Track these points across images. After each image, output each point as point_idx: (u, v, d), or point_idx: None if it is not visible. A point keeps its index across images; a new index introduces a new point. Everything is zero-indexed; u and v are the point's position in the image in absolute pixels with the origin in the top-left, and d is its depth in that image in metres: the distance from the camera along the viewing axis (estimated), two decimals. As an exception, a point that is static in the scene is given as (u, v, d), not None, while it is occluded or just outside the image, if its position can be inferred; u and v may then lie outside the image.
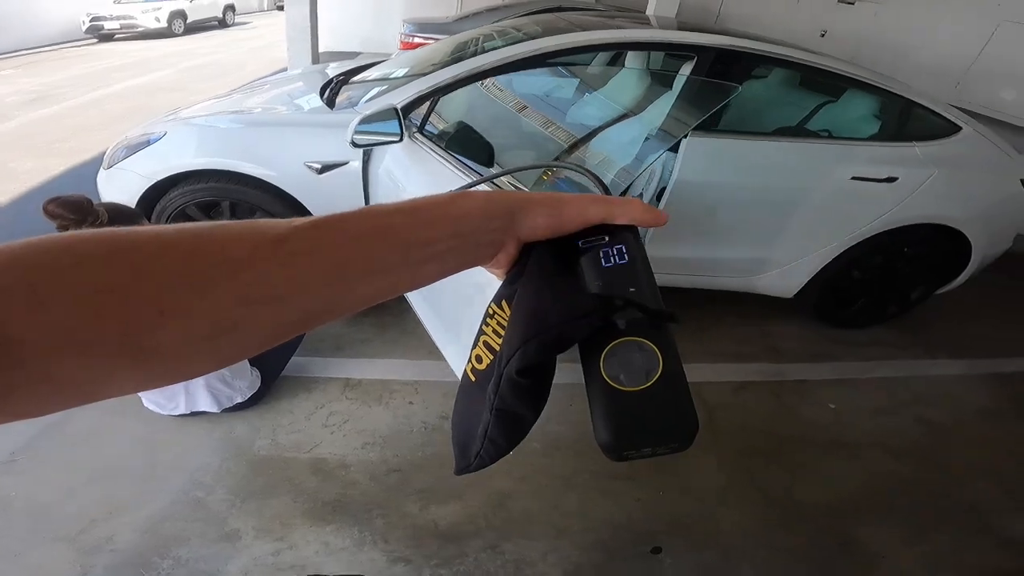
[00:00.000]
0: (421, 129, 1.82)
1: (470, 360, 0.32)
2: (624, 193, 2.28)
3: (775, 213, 2.28)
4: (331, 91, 2.37)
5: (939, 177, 2.25)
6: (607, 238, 0.31)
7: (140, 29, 10.87)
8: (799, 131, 2.53)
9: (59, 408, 0.24)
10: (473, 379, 0.31)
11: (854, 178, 2.20)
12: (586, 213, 0.32)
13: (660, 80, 2.83)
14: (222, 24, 13.00)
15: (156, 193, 2.20)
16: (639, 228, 0.33)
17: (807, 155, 2.27)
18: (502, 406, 0.29)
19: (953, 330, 2.83)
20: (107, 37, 10.70)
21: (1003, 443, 2.16)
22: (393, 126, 1.77)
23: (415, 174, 1.79)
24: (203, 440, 1.84)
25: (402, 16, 5.94)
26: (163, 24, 11.01)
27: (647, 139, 2.22)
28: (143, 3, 11.10)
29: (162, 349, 0.24)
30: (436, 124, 2.10)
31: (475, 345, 0.32)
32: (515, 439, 0.30)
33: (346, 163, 2.03)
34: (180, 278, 0.24)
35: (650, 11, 4.30)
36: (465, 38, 2.61)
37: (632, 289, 0.29)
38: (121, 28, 10.79)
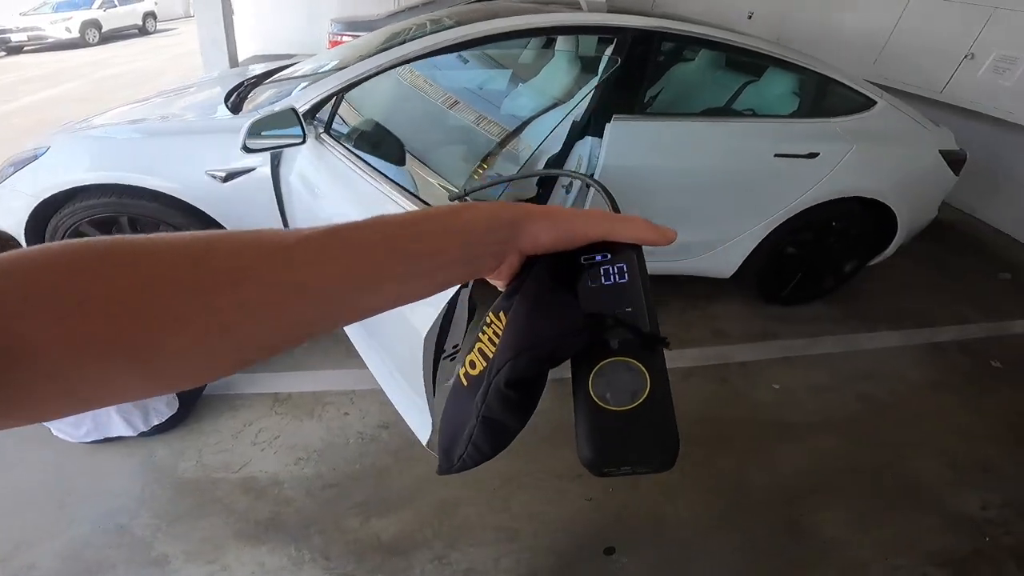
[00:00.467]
0: (328, 129, 1.70)
1: (463, 364, 0.32)
2: (552, 184, 2.22)
3: (704, 194, 2.27)
4: (238, 95, 2.21)
5: (858, 151, 2.29)
6: (609, 255, 0.31)
7: (50, 40, 10.13)
8: (725, 111, 2.53)
9: (69, 412, 0.25)
10: (465, 383, 0.32)
11: (777, 155, 2.21)
12: (589, 229, 0.32)
13: (587, 66, 2.80)
14: (143, 32, 12.28)
15: (49, 210, 2.00)
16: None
17: (731, 134, 2.26)
18: (488, 414, 0.29)
19: (889, 301, 2.91)
20: (15, 50, 9.94)
21: (944, 416, 2.21)
22: (294, 129, 1.64)
23: (325, 177, 1.67)
24: (121, 465, 1.76)
25: (335, 15, 5.73)
26: (75, 34, 10.29)
27: (572, 126, 2.17)
28: (52, 13, 10.37)
29: (169, 355, 0.25)
30: (350, 122, 1.98)
31: (470, 351, 0.32)
32: (499, 447, 0.31)
33: (252, 169, 1.89)
34: (190, 286, 0.25)
35: None
36: (393, 31, 2.49)
37: (628, 309, 0.29)
38: (29, 40, 10.05)
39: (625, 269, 0.31)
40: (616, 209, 0.38)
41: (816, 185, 2.29)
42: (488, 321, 0.33)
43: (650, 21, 2.12)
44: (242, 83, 2.32)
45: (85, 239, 0.24)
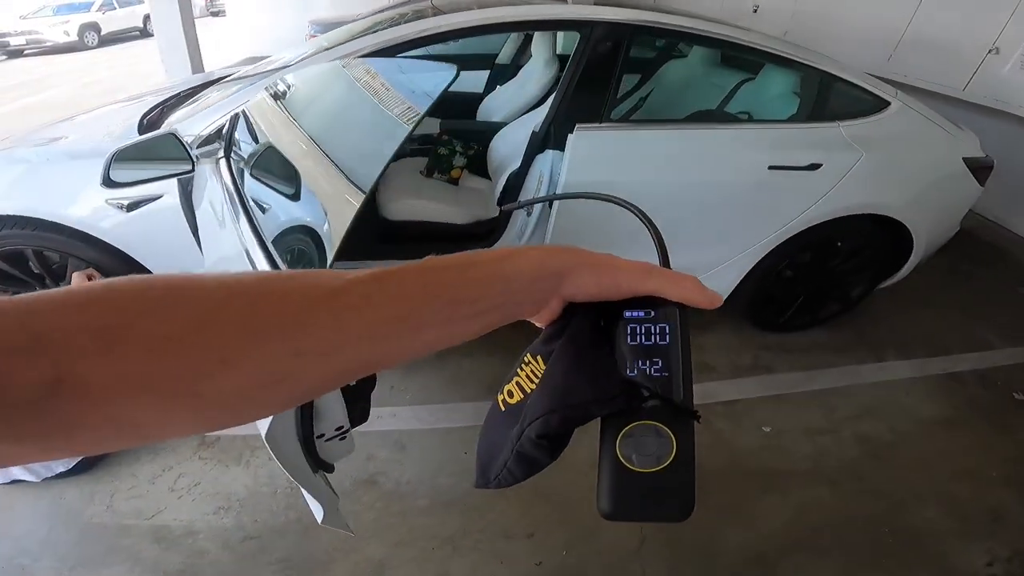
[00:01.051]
0: (227, 154, 1.45)
1: (502, 392, 0.34)
2: (514, 196, 1.96)
3: (688, 212, 1.97)
4: (161, 111, 1.98)
5: (868, 161, 1.98)
6: (653, 312, 0.31)
7: (48, 44, 10.09)
8: (714, 115, 2.23)
9: (116, 447, 0.26)
10: (502, 408, 0.34)
11: (773, 167, 1.92)
12: (637, 285, 0.32)
13: (557, 69, 2.52)
14: (144, 34, 12.17)
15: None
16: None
17: (718, 143, 1.96)
18: (521, 450, 0.31)
19: (899, 324, 2.57)
20: (15, 54, 9.91)
21: (953, 458, 1.91)
22: (178, 156, 1.38)
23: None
24: (28, 508, 1.66)
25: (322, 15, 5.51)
26: (73, 37, 10.25)
27: (532, 137, 1.90)
28: (50, 16, 10.31)
29: (218, 396, 0.25)
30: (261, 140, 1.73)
31: (509, 380, 0.34)
32: (530, 475, 0.32)
33: (159, 197, 1.65)
34: (240, 329, 0.25)
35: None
36: (350, 30, 2.23)
37: (665, 374, 0.29)
38: (28, 44, 10.01)
39: (667, 331, 0.31)
40: (666, 258, 0.37)
41: (818, 201, 1.99)
42: (526, 360, 0.34)
43: (625, 13, 1.84)
44: (168, 98, 2.08)
45: (141, 277, 0.25)
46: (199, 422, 0.27)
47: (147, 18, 12.24)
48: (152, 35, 11.81)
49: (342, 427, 0.98)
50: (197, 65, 4.43)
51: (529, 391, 0.32)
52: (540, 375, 0.32)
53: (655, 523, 0.30)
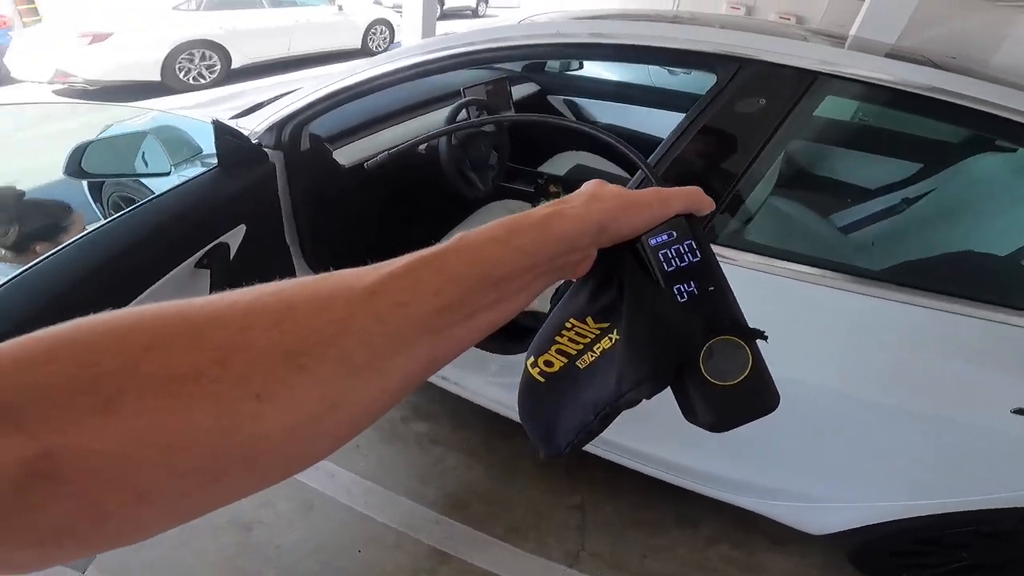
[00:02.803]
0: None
1: (537, 364, 0.33)
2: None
3: (823, 423, 1.14)
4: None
5: None
6: (674, 233, 0.31)
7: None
8: (912, 268, 1.24)
9: (164, 527, 0.20)
10: (543, 380, 0.33)
11: (1018, 411, 0.96)
12: (664, 212, 0.31)
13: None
14: (474, 13, 13.88)
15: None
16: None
17: (912, 328, 1.04)
18: (611, 414, 0.30)
19: None
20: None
21: None
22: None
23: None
24: None
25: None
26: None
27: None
28: None
29: (267, 440, 0.20)
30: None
31: (543, 352, 0.33)
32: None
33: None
34: (273, 352, 0.20)
35: (854, 31, 2.92)
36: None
37: (710, 289, 0.30)
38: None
39: (694, 247, 0.31)
40: (654, 173, 0.39)
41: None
42: (568, 326, 0.33)
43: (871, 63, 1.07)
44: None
45: (127, 309, 0.20)
46: (255, 476, 0.20)
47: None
48: (479, 16, 13.58)
49: None
50: (429, 28, 4.81)
51: (574, 353, 0.32)
52: (595, 336, 0.32)
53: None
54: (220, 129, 1.21)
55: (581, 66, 3.03)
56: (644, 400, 0.29)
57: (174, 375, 0.18)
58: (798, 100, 1.05)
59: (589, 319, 0.32)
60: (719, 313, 0.30)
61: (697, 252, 0.30)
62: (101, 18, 5.48)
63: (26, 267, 0.89)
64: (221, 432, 0.19)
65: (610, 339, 0.31)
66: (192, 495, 0.19)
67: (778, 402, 0.29)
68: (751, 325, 0.30)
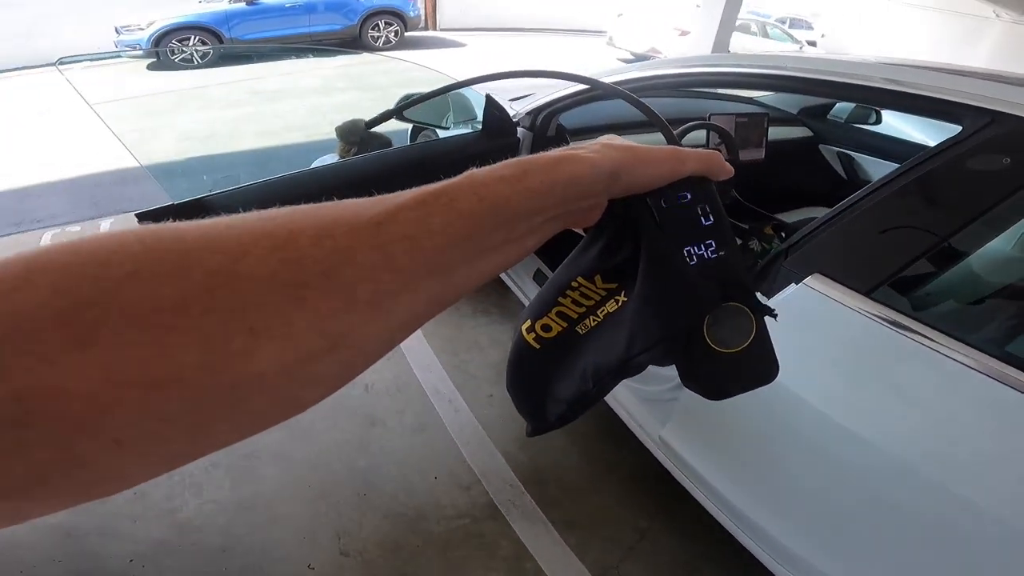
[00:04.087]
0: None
1: (534, 329, 0.31)
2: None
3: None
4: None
5: None
6: (688, 195, 0.30)
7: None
8: None
9: (147, 475, 0.18)
10: (538, 347, 0.31)
11: None
12: (680, 169, 0.30)
13: None
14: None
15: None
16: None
17: None
18: (613, 379, 0.30)
19: None
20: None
21: None
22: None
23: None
24: None
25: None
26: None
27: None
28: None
29: (260, 380, 0.18)
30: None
31: (542, 315, 0.31)
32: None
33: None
34: (269, 283, 0.18)
35: None
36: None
37: (721, 254, 0.29)
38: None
39: (708, 210, 0.30)
40: (673, 136, 0.39)
41: None
42: (573, 286, 0.31)
43: None
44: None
45: (113, 231, 0.17)
46: (239, 423, 0.19)
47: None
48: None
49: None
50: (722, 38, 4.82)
51: (575, 317, 0.31)
52: (601, 298, 0.31)
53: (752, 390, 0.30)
54: (489, 103, 1.58)
55: (879, 120, 2.69)
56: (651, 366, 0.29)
57: (158, 305, 0.16)
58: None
59: (598, 278, 0.31)
60: (728, 279, 0.29)
61: (711, 216, 0.29)
62: (685, 20, 8.66)
63: (336, 160, 1.36)
64: (209, 370, 0.17)
65: (616, 301, 0.30)
66: (175, 440, 0.18)
67: (777, 372, 0.29)
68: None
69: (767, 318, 0.30)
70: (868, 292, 0.97)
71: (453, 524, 1.58)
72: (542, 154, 0.27)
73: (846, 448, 0.99)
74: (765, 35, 10.30)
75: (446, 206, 0.23)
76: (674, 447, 1.34)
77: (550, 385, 0.31)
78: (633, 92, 1.57)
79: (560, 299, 0.31)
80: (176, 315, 0.16)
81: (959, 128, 0.98)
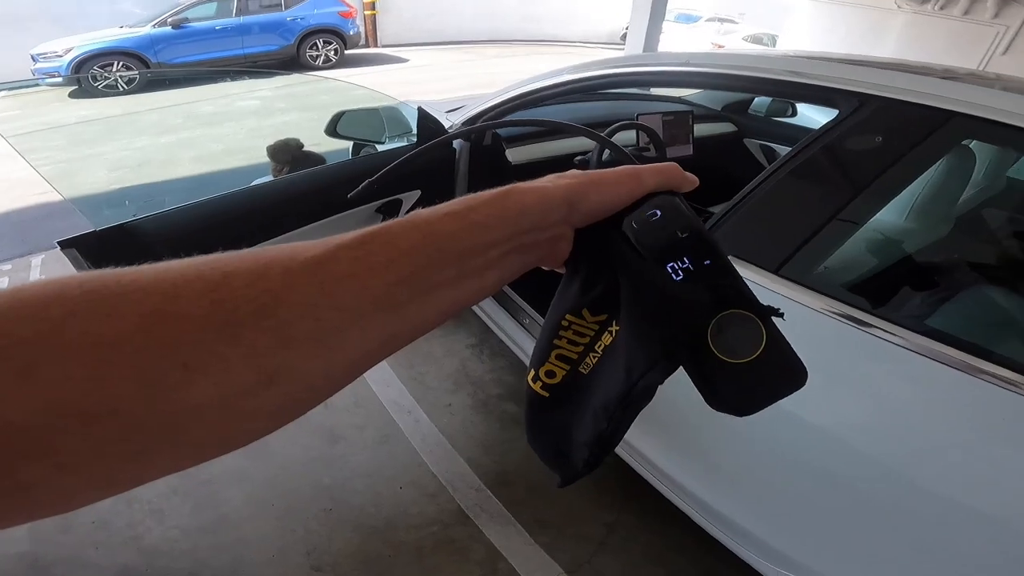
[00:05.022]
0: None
1: (539, 377, 0.31)
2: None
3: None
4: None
5: None
6: (658, 212, 0.29)
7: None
8: None
9: (94, 497, 0.19)
10: (547, 395, 0.31)
11: None
12: (639, 189, 0.30)
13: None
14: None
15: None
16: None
17: None
18: (625, 411, 0.28)
19: None
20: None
21: None
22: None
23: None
24: None
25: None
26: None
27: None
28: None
29: (193, 414, 0.19)
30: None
31: (543, 362, 0.31)
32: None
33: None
34: (203, 320, 0.19)
35: None
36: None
37: (706, 263, 0.28)
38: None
39: (684, 223, 0.29)
40: (630, 159, 0.37)
41: None
42: (565, 325, 0.31)
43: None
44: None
45: (55, 278, 0.19)
46: (181, 451, 0.20)
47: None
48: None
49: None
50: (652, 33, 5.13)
51: (575, 357, 0.30)
52: (595, 332, 0.30)
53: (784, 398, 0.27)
54: (422, 115, 1.62)
55: (794, 112, 2.89)
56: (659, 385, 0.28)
57: (95, 341, 0.17)
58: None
59: (585, 312, 0.30)
60: (721, 286, 0.28)
61: (687, 228, 0.29)
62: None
63: (270, 180, 1.37)
64: (145, 401, 0.18)
65: (610, 333, 0.30)
66: (117, 467, 0.18)
67: (806, 377, 0.27)
68: None
69: (777, 321, 0.28)
70: (776, 270, 1.06)
71: (423, 532, 1.59)
72: (489, 190, 0.27)
73: (777, 426, 1.06)
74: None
75: (387, 243, 0.23)
76: (636, 446, 1.40)
77: (569, 431, 0.30)
78: (569, 93, 1.64)
79: (556, 341, 0.31)
80: (112, 350, 0.17)
81: (836, 112, 1.09)
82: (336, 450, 1.84)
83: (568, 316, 0.30)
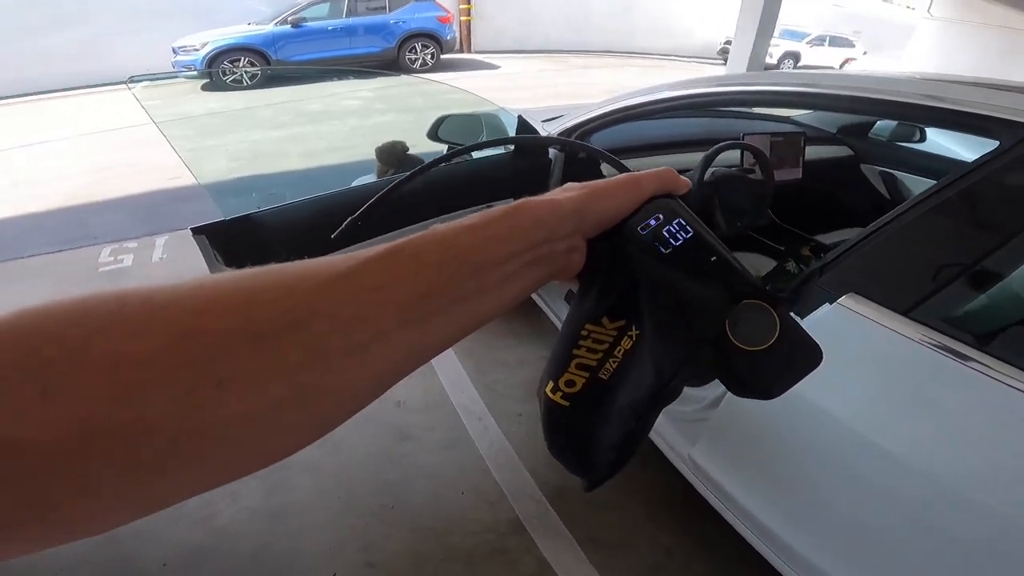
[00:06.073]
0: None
1: (559, 388, 0.30)
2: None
3: None
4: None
5: None
6: (661, 216, 0.31)
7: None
8: None
9: (118, 520, 0.18)
10: (567, 404, 0.30)
11: None
12: (640, 195, 0.32)
13: None
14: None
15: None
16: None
17: None
18: (651, 411, 0.30)
19: None
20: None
21: None
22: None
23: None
24: None
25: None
26: (773, 60, 11.90)
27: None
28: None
29: (226, 429, 0.18)
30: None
31: (562, 372, 0.31)
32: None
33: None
34: (235, 335, 0.19)
35: None
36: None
37: (713, 259, 0.30)
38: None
39: (684, 223, 0.30)
40: (626, 168, 0.38)
41: None
42: (583, 334, 0.31)
43: None
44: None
45: (81, 296, 0.18)
46: (211, 470, 0.19)
47: (844, 63, 12.74)
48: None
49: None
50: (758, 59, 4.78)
51: (595, 364, 0.30)
52: (614, 338, 0.30)
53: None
54: (521, 124, 1.62)
55: (923, 138, 2.61)
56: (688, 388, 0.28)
57: (123, 360, 0.17)
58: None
59: (604, 319, 0.31)
60: (731, 281, 0.29)
61: (688, 228, 0.30)
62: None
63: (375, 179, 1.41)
64: (174, 421, 0.17)
65: (629, 337, 0.30)
66: (144, 487, 0.18)
67: (821, 355, 0.28)
68: None
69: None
70: (906, 311, 0.95)
71: (478, 539, 1.59)
72: (503, 205, 0.28)
73: (878, 468, 0.96)
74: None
75: (412, 257, 0.24)
76: (703, 466, 1.32)
77: (593, 436, 0.31)
78: (666, 111, 1.58)
79: (575, 351, 0.31)
80: (141, 368, 0.17)
81: (996, 143, 0.96)
82: (403, 448, 1.88)
83: (588, 326, 0.31)
